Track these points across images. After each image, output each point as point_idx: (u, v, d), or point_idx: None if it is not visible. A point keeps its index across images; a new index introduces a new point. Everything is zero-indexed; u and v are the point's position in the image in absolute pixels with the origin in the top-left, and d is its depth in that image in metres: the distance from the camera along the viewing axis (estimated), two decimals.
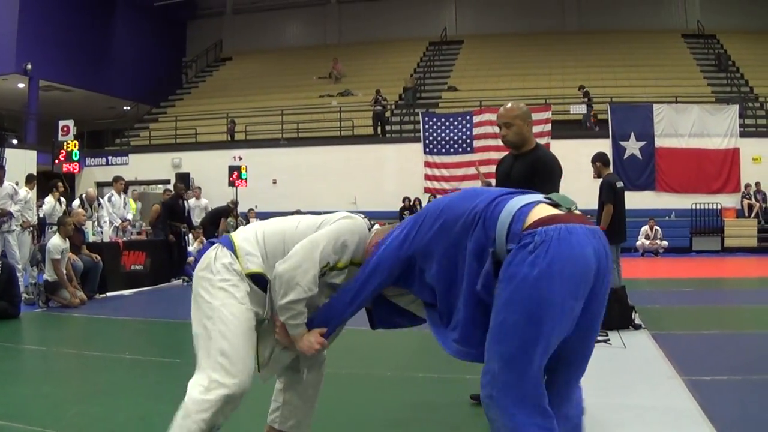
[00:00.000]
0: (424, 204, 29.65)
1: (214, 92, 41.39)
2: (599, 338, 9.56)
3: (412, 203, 30.11)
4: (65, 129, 16.14)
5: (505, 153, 6.90)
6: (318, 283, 4.09)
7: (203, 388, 4.09)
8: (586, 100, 32.32)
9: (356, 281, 4.10)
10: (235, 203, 23.63)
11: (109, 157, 35.40)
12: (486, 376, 3.56)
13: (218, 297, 4.17)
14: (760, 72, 35.53)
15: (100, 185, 28.33)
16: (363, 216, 4.47)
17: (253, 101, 37.32)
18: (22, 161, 28.24)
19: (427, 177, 31.32)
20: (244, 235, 4.35)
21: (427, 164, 31.39)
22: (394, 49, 42.97)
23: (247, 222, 24.72)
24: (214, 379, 4.08)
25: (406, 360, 9.20)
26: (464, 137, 31.39)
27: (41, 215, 18.30)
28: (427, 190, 31.03)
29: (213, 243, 4.44)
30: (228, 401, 4.09)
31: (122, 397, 7.04)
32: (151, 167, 32.81)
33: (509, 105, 6.54)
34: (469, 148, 30.80)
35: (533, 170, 6.26)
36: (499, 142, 6.72)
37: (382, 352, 9.65)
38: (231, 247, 4.27)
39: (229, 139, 34.86)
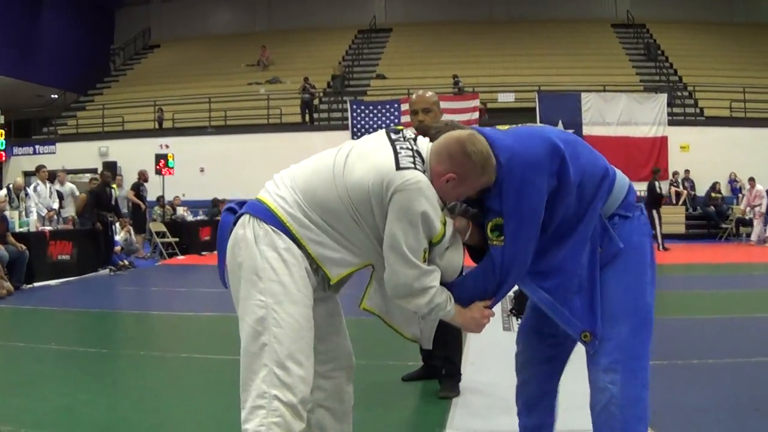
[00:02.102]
0: None
1: (141, 80, 41.02)
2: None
3: None
4: None
5: None
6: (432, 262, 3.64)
7: (266, 412, 3.49)
8: (456, 90, 32.77)
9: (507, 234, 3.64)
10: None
11: (37, 146, 34.98)
12: (611, 342, 3.83)
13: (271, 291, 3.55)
14: (688, 61, 36.28)
15: (27, 174, 28.11)
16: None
17: (181, 89, 37.07)
18: None
19: None
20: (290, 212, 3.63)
21: None
22: (322, 36, 42.95)
23: (174, 211, 24.75)
24: (274, 395, 3.49)
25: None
26: (392, 125, 31.51)
27: None
28: None
29: (233, 210, 3.87)
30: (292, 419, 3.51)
31: (48, 388, 7.05)
32: (78, 156, 32.48)
33: (424, 92, 6.61)
34: None
35: None
36: None
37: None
38: (278, 223, 3.61)
39: (157, 127, 34.68)
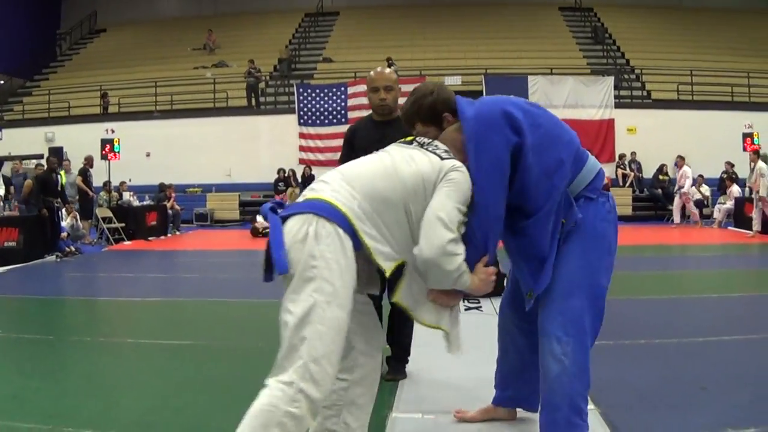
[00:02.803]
0: (298, 176, 30.07)
1: (88, 65, 40.75)
2: (470, 306, 10.15)
3: (286, 174, 30.44)
4: None
5: None
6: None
7: (288, 398, 3.61)
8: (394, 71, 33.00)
9: (479, 196, 4.00)
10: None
11: None
12: (564, 315, 4.24)
13: (322, 290, 3.68)
14: (636, 44, 36.75)
15: None
16: None
17: (127, 73, 36.88)
18: None
19: (302, 148, 31.72)
20: (350, 206, 3.82)
21: (302, 135, 31.77)
22: (269, 20, 43.06)
23: (121, 196, 24.77)
24: (300, 388, 3.61)
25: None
26: (339, 108, 31.78)
27: None
28: (301, 161, 31.39)
29: (279, 205, 4.04)
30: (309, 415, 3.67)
31: None
32: (24, 142, 32.25)
33: (384, 69, 6.61)
34: (343, 119, 31.10)
35: None
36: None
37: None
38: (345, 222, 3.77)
39: (103, 112, 34.56)
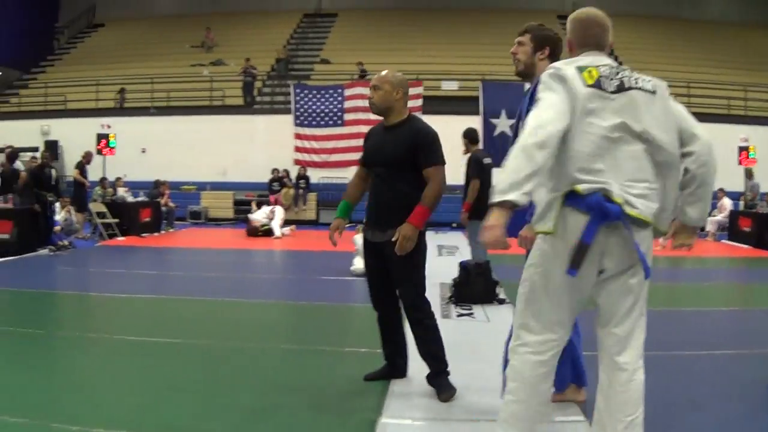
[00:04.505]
0: (293, 176, 30.09)
1: (85, 59, 40.60)
2: (463, 312, 10.15)
3: (280, 174, 30.43)
4: None
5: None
6: None
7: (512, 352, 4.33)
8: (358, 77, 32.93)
9: None
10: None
11: None
12: None
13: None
14: (633, 54, 36.16)
15: None
16: None
17: (124, 69, 36.81)
18: None
19: (297, 149, 31.55)
20: None
21: (297, 136, 31.60)
22: (268, 19, 42.93)
23: (115, 192, 24.71)
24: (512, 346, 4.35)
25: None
26: (335, 110, 31.65)
27: None
28: (296, 162, 31.27)
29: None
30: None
31: None
32: (19, 134, 32.08)
33: (385, 71, 6.59)
34: (339, 121, 31.07)
35: (415, 142, 6.26)
36: (370, 116, 6.79)
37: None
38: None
39: (119, 107, 34.47)
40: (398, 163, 6.25)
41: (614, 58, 4.63)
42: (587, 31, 4.46)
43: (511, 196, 3.82)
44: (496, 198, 3.87)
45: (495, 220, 3.88)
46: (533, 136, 3.91)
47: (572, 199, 4.03)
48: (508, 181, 3.86)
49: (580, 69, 4.16)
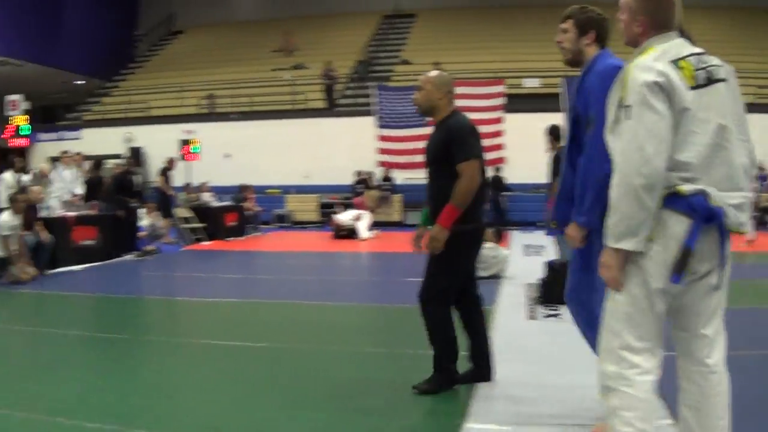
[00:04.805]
0: (377, 178, 29.82)
1: (165, 66, 40.99)
2: (549, 313, 9.73)
3: (364, 177, 30.14)
4: (13, 104, 15.94)
5: None
6: None
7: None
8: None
9: None
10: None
11: (62, 132, 35.20)
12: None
13: None
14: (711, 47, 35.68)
15: (53, 160, 28.17)
16: None
17: (205, 75, 37.02)
18: None
19: (381, 151, 31.22)
20: None
21: (381, 138, 31.25)
22: (347, 22, 42.76)
23: (199, 197, 24.72)
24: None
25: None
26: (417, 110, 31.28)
27: None
28: (380, 163, 30.97)
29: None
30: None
31: (64, 374, 7.09)
32: (103, 141, 32.51)
33: (430, 72, 6.69)
34: (422, 121, 30.66)
35: (448, 137, 6.29)
36: None
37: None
38: None
39: (209, 111, 34.61)
40: (437, 160, 6.38)
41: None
42: (665, 6, 4.02)
43: (628, 246, 3.72)
44: (610, 242, 3.76)
45: (610, 259, 3.81)
46: (639, 176, 3.64)
47: (672, 201, 3.74)
48: (622, 227, 3.72)
49: (675, 64, 3.78)
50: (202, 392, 6.54)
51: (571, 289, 5.45)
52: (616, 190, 3.70)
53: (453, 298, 6.50)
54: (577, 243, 4.88)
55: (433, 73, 6.66)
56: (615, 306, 3.95)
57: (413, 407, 5.97)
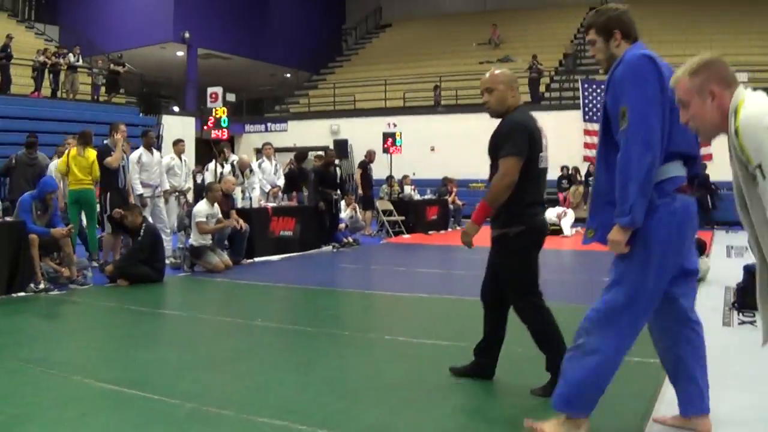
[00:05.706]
0: (582, 173, 29.07)
1: (372, 59, 41.55)
2: (745, 320, 9.05)
3: (570, 172, 29.45)
4: (214, 96, 16.09)
5: None
6: None
7: None
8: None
9: None
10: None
11: (268, 124, 36.01)
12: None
13: None
14: None
15: (257, 151, 28.66)
16: None
17: (411, 68, 37.24)
18: (181, 128, 29.09)
19: (586, 145, 30.50)
20: None
21: (586, 132, 30.55)
22: (554, 14, 42.14)
23: (402, 190, 24.64)
24: None
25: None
26: None
27: (201, 181, 18.65)
28: (586, 158, 30.08)
29: None
30: None
31: (243, 365, 7.03)
32: (308, 133, 33.14)
33: (495, 70, 6.35)
34: None
35: (496, 134, 6.10)
36: None
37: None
38: None
39: (434, 104, 34.83)
40: (493, 157, 6.12)
41: None
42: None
43: None
44: None
45: None
46: None
47: None
48: None
49: None
50: (377, 390, 6.19)
51: None
52: None
53: (538, 299, 6.11)
54: (621, 248, 4.51)
55: (498, 71, 6.31)
56: None
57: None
